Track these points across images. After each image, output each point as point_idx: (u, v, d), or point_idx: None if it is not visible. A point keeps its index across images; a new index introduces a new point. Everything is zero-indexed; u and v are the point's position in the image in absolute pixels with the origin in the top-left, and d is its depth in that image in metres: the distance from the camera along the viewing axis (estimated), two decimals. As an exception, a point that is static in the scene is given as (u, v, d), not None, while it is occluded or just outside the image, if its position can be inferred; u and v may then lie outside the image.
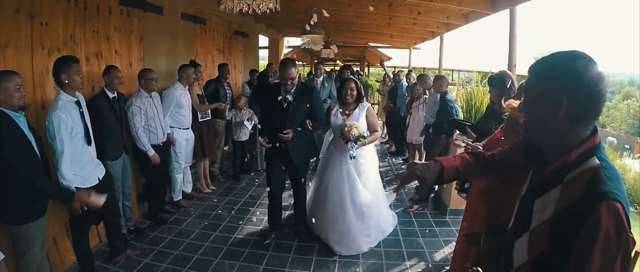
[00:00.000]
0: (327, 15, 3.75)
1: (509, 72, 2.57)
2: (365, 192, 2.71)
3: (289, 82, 2.51)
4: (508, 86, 2.33)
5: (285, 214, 3.21)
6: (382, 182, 2.92)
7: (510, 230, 0.92)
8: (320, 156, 3.23)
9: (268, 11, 1.62)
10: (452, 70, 13.91)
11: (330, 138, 2.98)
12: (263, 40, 8.47)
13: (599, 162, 0.74)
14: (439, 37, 5.84)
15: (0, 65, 1.97)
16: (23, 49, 2.17)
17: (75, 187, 2.05)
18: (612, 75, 36.93)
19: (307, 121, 2.60)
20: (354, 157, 2.59)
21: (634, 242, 0.71)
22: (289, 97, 2.54)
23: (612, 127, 22.90)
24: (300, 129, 2.60)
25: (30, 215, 1.84)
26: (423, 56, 9.77)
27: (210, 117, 3.78)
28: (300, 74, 11.25)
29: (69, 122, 1.97)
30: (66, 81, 1.97)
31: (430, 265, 2.54)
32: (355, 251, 2.65)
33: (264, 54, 9.70)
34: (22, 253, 1.89)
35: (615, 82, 34.24)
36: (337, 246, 2.66)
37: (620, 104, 26.56)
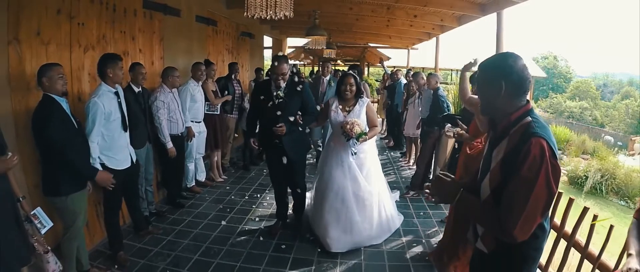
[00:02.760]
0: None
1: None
2: (368, 186, 2.72)
3: (280, 78, 2.52)
4: None
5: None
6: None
7: (478, 177, 1.26)
8: (318, 148, 3.19)
9: (283, 17, 1.89)
10: (451, 70, 14.23)
11: (330, 134, 2.97)
12: (267, 41, 8.78)
13: (530, 119, 1.10)
14: (435, 38, 6.15)
15: (43, 60, 2.22)
16: (63, 46, 2.44)
17: (110, 168, 2.35)
18: (611, 75, 37.02)
19: (297, 115, 2.59)
20: (355, 154, 2.64)
21: (559, 169, 1.06)
22: (280, 93, 2.55)
23: (611, 127, 23.02)
24: (292, 121, 2.60)
25: (73, 186, 2.10)
26: (421, 56, 10.07)
27: (218, 112, 4.06)
28: (302, 74, 11.52)
29: (105, 109, 2.26)
30: (111, 75, 2.28)
31: (423, 240, 2.86)
32: (358, 244, 2.65)
33: (267, 54, 10.01)
34: (67, 226, 2.15)
35: (614, 82, 34.33)
36: (337, 243, 2.62)
37: (619, 104, 26.71)
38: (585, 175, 8.39)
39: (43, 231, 1.91)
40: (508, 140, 1.10)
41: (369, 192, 2.72)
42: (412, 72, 5.69)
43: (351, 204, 2.66)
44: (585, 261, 1.80)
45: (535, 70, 15.82)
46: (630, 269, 0.91)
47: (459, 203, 1.18)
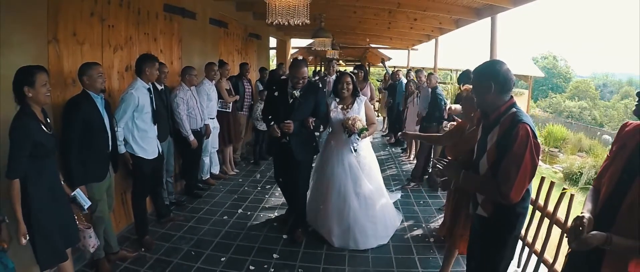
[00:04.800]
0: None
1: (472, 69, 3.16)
2: (369, 185, 2.77)
3: (300, 81, 2.60)
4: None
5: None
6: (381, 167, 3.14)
7: (475, 157, 1.57)
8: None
9: (300, 24, 2.12)
10: (451, 70, 14.46)
11: (328, 132, 2.98)
12: (272, 42, 9.01)
13: (515, 110, 1.43)
14: (434, 40, 6.40)
15: (79, 59, 2.38)
16: (95, 46, 2.64)
17: (142, 157, 2.60)
18: (611, 75, 37.16)
19: (310, 119, 2.63)
20: (356, 151, 2.67)
21: (539, 146, 1.39)
22: (296, 93, 2.62)
23: (610, 127, 23.12)
24: (302, 122, 2.65)
25: (90, 177, 2.20)
26: (422, 56, 10.30)
27: (230, 110, 4.30)
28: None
29: (139, 102, 2.50)
30: (147, 73, 2.54)
31: (423, 225, 3.13)
32: (362, 244, 2.67)
33: (272, 54, 10.24)
34: (92, 211, 2.33)
35: (614, 81, 34.49)
36: (340, 240, 2.69)
37: (618, 104, 26.82)
38: (580, 171, 8.61)
39: (85, 207, 2.10)
40: (500, 126, 1.43)
41: (370, 190, 2.78)
42: (411, 73, 5.94)
43: (354, 203, 2.70)
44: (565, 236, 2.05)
45: (533, 70, 16.06)
46: (578, 216, 1.15)
47: (463, 180, 1.49)
